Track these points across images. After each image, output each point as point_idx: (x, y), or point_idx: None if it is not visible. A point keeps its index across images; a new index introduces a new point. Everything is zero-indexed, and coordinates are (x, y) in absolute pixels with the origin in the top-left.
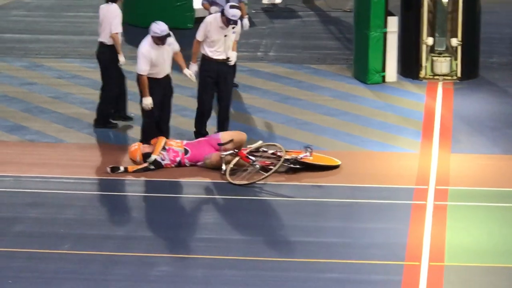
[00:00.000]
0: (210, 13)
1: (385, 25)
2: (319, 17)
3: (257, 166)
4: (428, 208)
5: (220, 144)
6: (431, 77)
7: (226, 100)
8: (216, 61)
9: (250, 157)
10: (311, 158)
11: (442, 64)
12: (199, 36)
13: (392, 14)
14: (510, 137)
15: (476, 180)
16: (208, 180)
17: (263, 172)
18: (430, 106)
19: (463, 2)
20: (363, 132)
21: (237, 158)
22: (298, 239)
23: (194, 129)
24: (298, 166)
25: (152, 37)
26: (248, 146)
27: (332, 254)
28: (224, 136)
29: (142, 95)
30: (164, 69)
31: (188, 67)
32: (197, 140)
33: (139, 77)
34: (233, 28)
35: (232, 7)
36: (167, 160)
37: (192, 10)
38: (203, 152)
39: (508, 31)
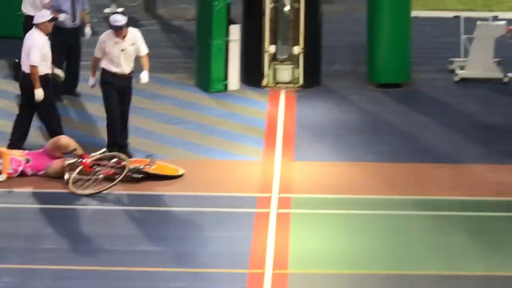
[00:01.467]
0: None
1: (227, 33)
2: (161, 25)
3: (100, 175)
4: (271, 216)
5: (65, 153)
6: (273, 85)
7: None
8: (115, 74)
9: (93, 166)
10: (154, 167)
11: (284, 72)
12: (96, 52)
13: (234, 23)
14: (352, 145)
15: (318, 188)
16: (51, 190)
17: (106, 182)
18: (273, 114)
19: (305, 11)
20: (206, 141)
21: (80, 167)
22: (141, 248)
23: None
24: (141, 176)
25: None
26: (91, 155)
27: (176, 263)
28: (51, 143)
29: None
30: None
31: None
32: (40, 150)
33: None
34: (132, 44)
35: (115, 13)
36: (9, 169)
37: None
38: (44, 161)
39: (349, 39)
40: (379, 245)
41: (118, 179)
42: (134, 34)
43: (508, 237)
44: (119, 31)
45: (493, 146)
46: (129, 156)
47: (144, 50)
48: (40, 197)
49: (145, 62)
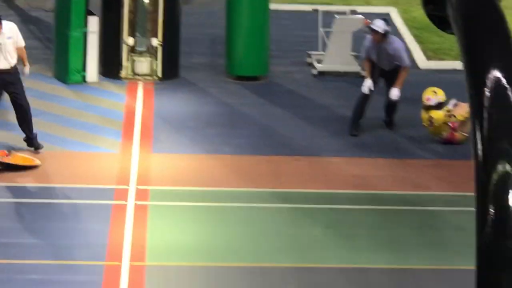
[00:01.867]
0: None
1: (85, 24)
2: (19, 16)
3: None
4: (128, 208)
5: None
6: (132, 77)
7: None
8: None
9: None
10: (10, 158)
11: (143, 64)
12: None
13: (92, 14)
14: (209, 137)
15: (176, 180)
16: None
17: None
18: (131, 106)
19: (163, 3)
20: (64, 132)
21: None
22: None
23: None
24: None
25: None
26: None
27: (32, 255)
28: None
29: None
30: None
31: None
32: None
33: None
34: (8, 37)
35: None
36: None
37: None
38: None
39: (208, 31)
40: (236, 237)
41: None
42: (10, 27)
43: (364, 230)
44: None
45: (350, 139)
46: (39, 147)
47: (21, 42)
48: None
49: (23, 55)
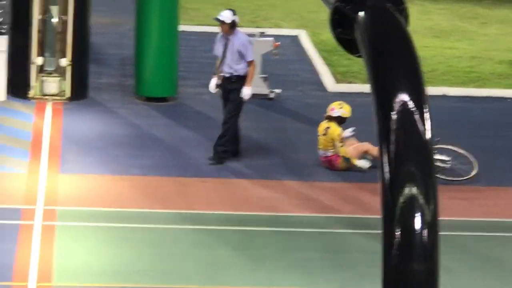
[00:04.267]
0: None
1: None
2: None
3: None
4: (35, 228)
5: None
6: (40, 97)
7: None
8: None
9: None
10: None
11: (51, 84)
12: None
13: (1, 33)
14: (117, 158)
15: (84, 200)
16: None
17: None
18: (39, 126)
19: (73, 23)
20: None
21: None
22: None
23: None
24: None
25: None
26: None
27: None
28: None
29: None
30: None
31: None
32: None
33: None
34: None
35: None
36: None
37: None
38: None
39: (116, 52)
40: (144, 258)
41: None
42: None
43: (272, 251)
44: None
45: (258, 161)
46: None
47: None
48: None
49: None
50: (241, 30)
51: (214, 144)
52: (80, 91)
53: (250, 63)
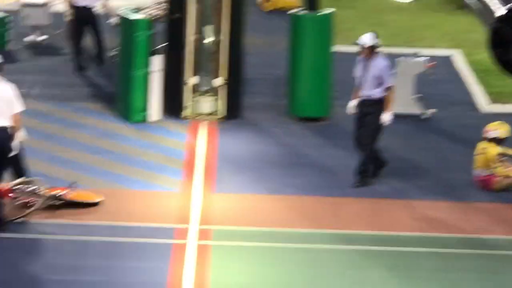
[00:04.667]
0: None
1: (148, 64)
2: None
3: (18, 203)
4: (189, 247)
5: None
6: (194, 116)
7: None
8: None
9: (11, 194)
10: (71, 195)
11: (205, 104)
12: None
13: (156, 53)
14: (272, 177)
15: (239, 220)
16: None
17: (25, 209)
18: (193, 145)
19: (227, 43)
20: (125, 171)
21: None
22: (58, 278)
23: None
24: (59, 203)
25: None
26: (9, 183)
27: None
28: None
29: None
30: None
31: None
32: None
33: None
34: None
35: None
36: None
37: None
38: None
39: (270, 72)
40: (298, 278)
41: (35, 206)
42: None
43: (425, 273)
44: None
45: (413, 181)
46: None
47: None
48: None
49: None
50: (395, 51)
51: (356, 168)
52: (234, 110)
53: (388, 88)
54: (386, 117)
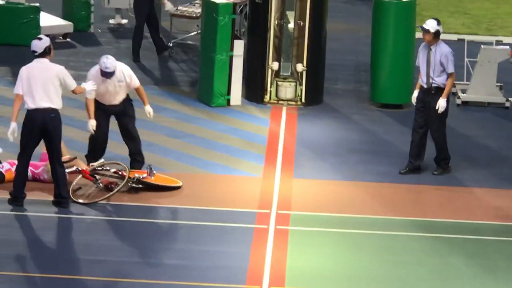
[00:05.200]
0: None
1: (231, 48)
2: (164, 38)
3: (101, 185)
4: (269, 232)
5: (64, 162)
6: (275, 101)
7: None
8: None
9: (94, 175)
10: (152, 178)
11: (287, 89)
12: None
13: (238, 38)
14: (351, 164)
15: (317, 206)
16: (49, 198)
17: (106, 191)
18: (274, 130)
19: (309, 29)
20: (207, 155)
21: (79, 176)
22: (138, 260)
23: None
24: (140, 186)
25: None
26: (91, 164)
27: (172, 276)
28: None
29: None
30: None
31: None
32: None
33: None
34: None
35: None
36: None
37: (38, 27)
38: (42, 165)
39: (352, 58)
40: (376, 265)
41: (117, 189)
42: (121, 70)
43: (505, 262)
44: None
45: (493, 170)
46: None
47: (135, 83)
48: (38, 205)
49: (141, 95)
50: (477, 38)
51: (434, 158)
52: (315, 96)
53: (450, 75)
54: (441, 103)
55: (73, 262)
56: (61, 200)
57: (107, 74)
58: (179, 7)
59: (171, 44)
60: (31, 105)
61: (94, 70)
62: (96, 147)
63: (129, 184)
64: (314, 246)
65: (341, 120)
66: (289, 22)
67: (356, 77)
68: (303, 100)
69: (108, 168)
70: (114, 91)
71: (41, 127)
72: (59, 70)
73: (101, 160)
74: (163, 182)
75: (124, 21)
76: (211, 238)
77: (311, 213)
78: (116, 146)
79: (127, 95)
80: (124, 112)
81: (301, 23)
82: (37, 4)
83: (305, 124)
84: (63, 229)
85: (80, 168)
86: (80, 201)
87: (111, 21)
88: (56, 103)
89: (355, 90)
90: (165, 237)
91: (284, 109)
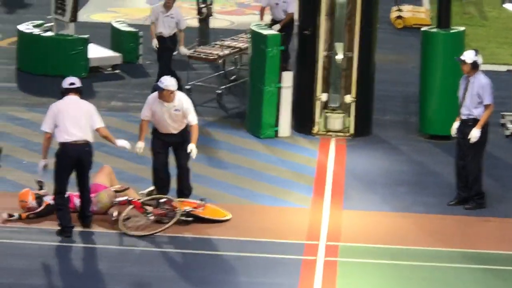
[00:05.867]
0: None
1: (279, 80)
2: (215, 70)
3: (152, 217)
4: (318, 264)
5: (116, 191)
6: (324, 133)
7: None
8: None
9: (145, 207)
10: (202, 211)
11: (336, 121)
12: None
13: (286, 69)
14: (400, 195)
15: (366, 237)
16: (99, 229)
17: (156, 223)
18: (323, 162)
19: (358, 60)
20: (255, 186)
21: (130, 207)
22: None
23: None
24: (189, 219)
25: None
26: (140, 193)
27: None
28: (111, 191)
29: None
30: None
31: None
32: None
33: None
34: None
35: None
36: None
37: (86, 59)
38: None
39: (400, 89)
40: None
41: (171, 222)
42: (179, 99)
43: None
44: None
45: None
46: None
47: (191, 119)
48: (87, 237)
49: (193, 133)
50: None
51: (469, 192)
52: (363, 127)
53: (487, 107)
54: (473, 133)
55: None
56: (87, 214)
57: (159, 89)
58: (197, 49)
59: (189, 87)
60: (65, 137)
61: (154, 95)
62: (157, 183)
63: (180, 217)
64: (363, 278)
65: (390, 151)
66: (337, 54)
67: (405, 108)
68: (351, 131)
69: (159, 200)
70: (170, 119)
71: (75, 160)
72: (90, 106)
73: (150, 188)
74: (212, 215)
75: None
76: (259, 269)
77: (360, 244)
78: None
79: (183, 131)
80: (182, 145)
81: (350, 54)
82: (86, 36)
83: (354, 155)
84: (111, 261)
85: (130, 199)
86: (132, 233)
87: None
88: (89, 136)
89: (404, 121)
90: (213, 269)
91: (333, 141)
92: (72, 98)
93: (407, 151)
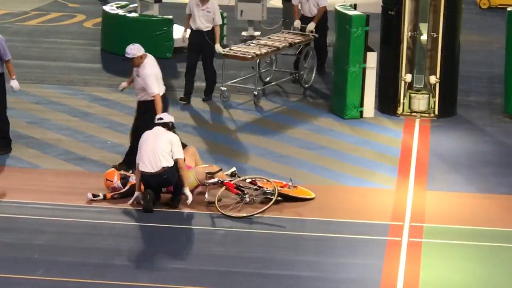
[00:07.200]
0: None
1: (364, 60)
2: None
3: (247, 199)
4: (403, 245)
5: (209, 173)
6: (408, 113)
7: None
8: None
9: (241, 189)
10: (290, 190)
11: (420, 101)
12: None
13: (371, 50)
14: (485, 176)
15: (450, 218)
16: (191, 210)
17: (251, 204)
18: (407, 142)
19: (442, 40)
20: (339, 167)
21: (223, 188)
22: (271, 272)
23: None
24: (279, 198)
25: None
26: (225, 173)
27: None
28: (199, 170)
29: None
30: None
31: None
32: None
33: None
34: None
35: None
36: None
37: (171, 39)
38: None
39: (485, 70)
40: (508, 278)
41: (271, 203)
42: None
43: None
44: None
45: None
46: None
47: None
48: (177, 217)
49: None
50: None
51: None
52: (448, 108)
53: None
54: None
55: (205, 273)
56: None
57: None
58: (232, 47)
59: (224, 88)
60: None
61: None
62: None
63: (268, 196)
64: (447, 259)
65: (475, 132)
66: (422, 34)
67: (490, 89)
68: (436, 112)
69: (249, 180)
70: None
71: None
72: (173, 136)
73: (232, 169)
74: (298, 194)
75: (257, 33)
76: (344, 250)
77: (444, 225)
78: (252, 159)
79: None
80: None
81: (435, 35)
82: (170, 17)
83: (438, 136)
84: (194, 241)
85: (223, 180)
86: (231, 214)
87: (243, 33)
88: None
89: (489, 102)
90: (298, 249)
91: (417, 121)
92: (160, 130)
93: (492, 132)
